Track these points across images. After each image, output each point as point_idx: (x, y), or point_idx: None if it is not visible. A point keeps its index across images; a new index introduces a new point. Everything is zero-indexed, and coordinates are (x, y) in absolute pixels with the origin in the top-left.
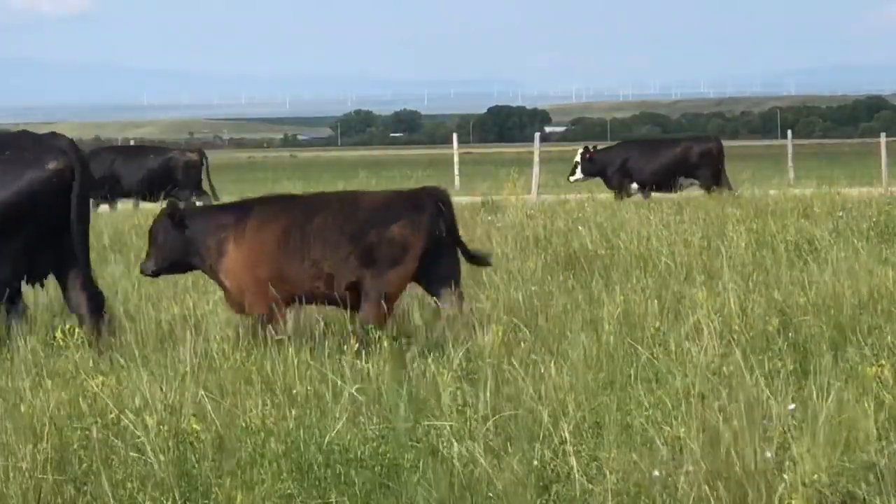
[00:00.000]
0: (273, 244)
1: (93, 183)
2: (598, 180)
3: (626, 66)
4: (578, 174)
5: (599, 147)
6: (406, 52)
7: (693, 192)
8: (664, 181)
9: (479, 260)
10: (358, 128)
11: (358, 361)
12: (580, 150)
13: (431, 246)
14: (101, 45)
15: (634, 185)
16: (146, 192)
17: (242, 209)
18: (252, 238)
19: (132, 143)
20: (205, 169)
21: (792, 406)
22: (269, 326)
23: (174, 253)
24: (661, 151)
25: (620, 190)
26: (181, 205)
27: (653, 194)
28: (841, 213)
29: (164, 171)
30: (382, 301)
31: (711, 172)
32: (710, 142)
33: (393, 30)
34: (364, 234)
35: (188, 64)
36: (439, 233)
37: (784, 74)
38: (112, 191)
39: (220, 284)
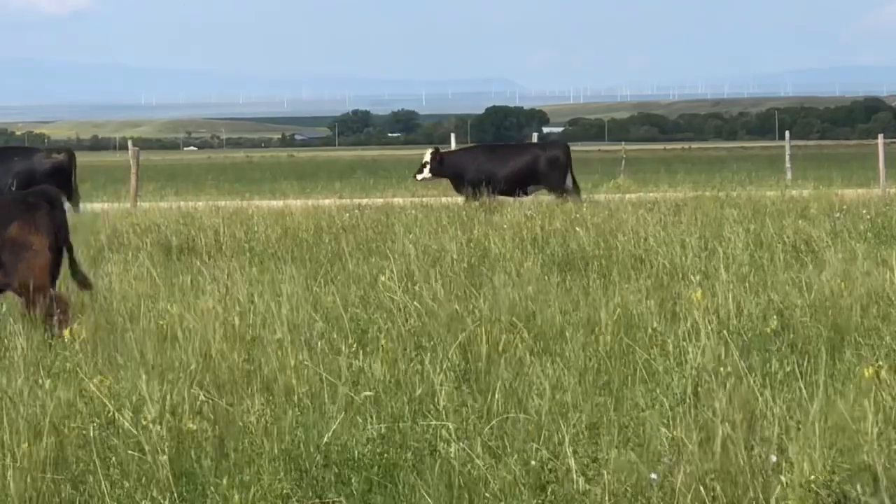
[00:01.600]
0: None
1: None
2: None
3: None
4: (426, 174)
5: (446, 150)
6: (404, 52)
7: (541, 197)
8: (512, 186)
9: (79, 274)
10: (356, 128)
11: (355, 361)
12: (430, 151)
13: (56, 241)
14: (99, 44)
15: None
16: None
17: None
18: None
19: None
20: (74, 170)
21: None
22: None
23: None
24: (510, 157)
25: (466, 193)
26: None
27: (499, 198)
28: (838, 215)
29: (29, 172)
30: (37, 294)
31: (559, 178)
32: (557, 148)
33: (391, 30)
34: None
35: (186, 63)
36: (57, 229)
37: (782, 75)
38: None
39: None
